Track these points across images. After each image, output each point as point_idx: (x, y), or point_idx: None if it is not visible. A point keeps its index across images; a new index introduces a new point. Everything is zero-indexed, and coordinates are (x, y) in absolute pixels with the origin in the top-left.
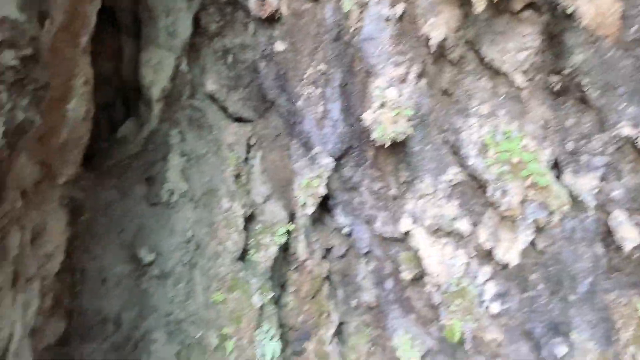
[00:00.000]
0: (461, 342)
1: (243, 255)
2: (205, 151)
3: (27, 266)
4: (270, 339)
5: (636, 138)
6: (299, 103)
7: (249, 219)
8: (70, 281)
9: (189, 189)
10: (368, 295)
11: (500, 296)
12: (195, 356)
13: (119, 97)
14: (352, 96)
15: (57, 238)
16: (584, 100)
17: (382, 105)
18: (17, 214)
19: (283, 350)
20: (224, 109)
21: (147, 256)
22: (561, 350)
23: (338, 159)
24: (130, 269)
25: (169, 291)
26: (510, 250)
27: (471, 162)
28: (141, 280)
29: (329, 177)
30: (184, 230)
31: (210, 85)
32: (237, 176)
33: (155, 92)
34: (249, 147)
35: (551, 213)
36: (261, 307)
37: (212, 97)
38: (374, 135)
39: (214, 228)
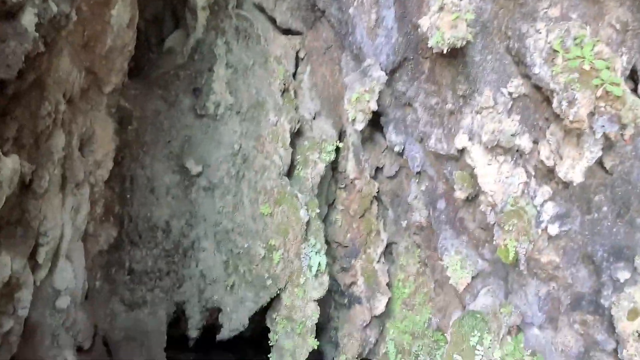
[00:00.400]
0: (515, 263)
1: (290, 171)
2: (252, 63)
3: (75, 171)
4: (316, 253)
5: None
6: (351, 10)
7: (297, 135)
8: (120, 189)
9: (235, 101)
10: (419, 216)
11: (560, 217)
12: (242, 265)
13: (168, 10)
14: (408, 1)
15: (106, 146)
16: None
17: (441, 8)
18: (61, 117)
19: (330, 265)
20: (272, 20)
21: (194, 167)
22: (623, 275)
23: (391, 73)
24: (179, 179)
25: (217, 202)
26: (574, 168)
27: (536, 71)
28: (189, 191)
29: (380, 92)
30: (230, 143)
31: None
32: (285, 90)
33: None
34: (297, 61)
35: (623, 127)
36: (308, 222)
37: (259, 7)
38: (431, 42)
39: (261, 142)
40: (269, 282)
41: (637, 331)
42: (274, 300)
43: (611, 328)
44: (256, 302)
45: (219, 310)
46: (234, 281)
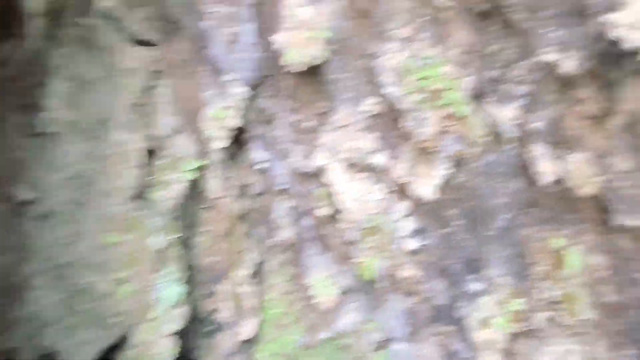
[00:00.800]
0: (376, 279)
1: (143, 193)
2: (98, 76)
3: None
4: (173, 283)
5: (558, 63)
6: (208, 22)
7: (151, 154)
8: None
9: (76, 118)
10: (286, 234)
11: (418, 233)
12: (83, 303)
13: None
14: (266, 16)
15: None
16: (509, 24)
17: (295, 26)
18: None
19: (191, 293)
20: (124, 30)
21: (25, 194)
22: (477, 286)
23: (253, 88)
24: (6, 208)
25: (53, 233)
26: (428, 185)
27: (388, 90)
28: (20, 221)
29: (243, 109)
30: (70, 165)
31: (107, 0)
32: (138, 106)
33: (36, 5)
34: (153, 74)
35: (470, 145)
36: (164, 249)
37: (109, 15)
38: (285, 60)
39: (108, 163)
40: (115, 319)
41: (489, 340)
42: (123, 339)
43: (467, 338)
44: (100, 343)
45: (56, 355)
46: (73, 322)
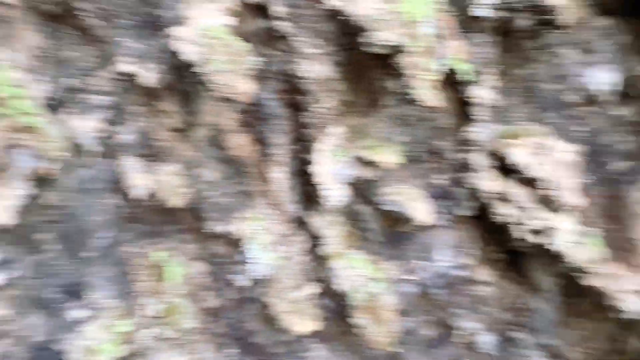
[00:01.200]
0: None
1: None
2: None
3: None
4: None
5: (137, 75)
6: None
7: None
8: None
9: None
10: None
11: (6, 264)
12: None
13: None
14: None
15: None
16: (84, 30)
17: None
18: None
19: None
20: None
21: None
22: (81, 313)
23: None
24: None
25: None
26: (6, 208)
27: None
28: None
29: None
30: None
31: None
32: None
33: None
34: None
35: (50, 161)
36: None
37: None
38: None
39: None
40: None
41: None
42: None
43: None
44: None
45: None
46: None
